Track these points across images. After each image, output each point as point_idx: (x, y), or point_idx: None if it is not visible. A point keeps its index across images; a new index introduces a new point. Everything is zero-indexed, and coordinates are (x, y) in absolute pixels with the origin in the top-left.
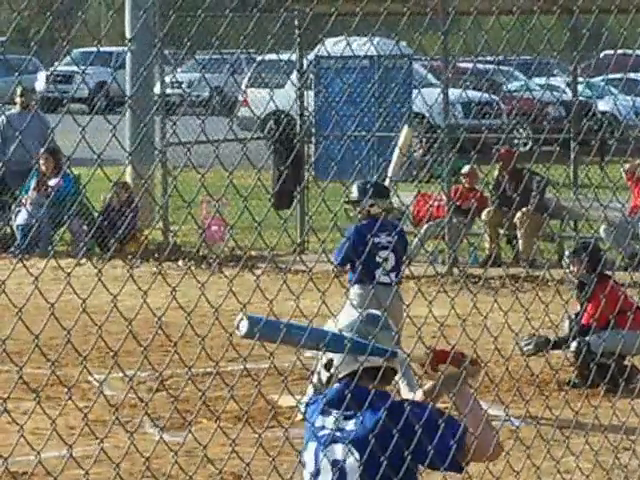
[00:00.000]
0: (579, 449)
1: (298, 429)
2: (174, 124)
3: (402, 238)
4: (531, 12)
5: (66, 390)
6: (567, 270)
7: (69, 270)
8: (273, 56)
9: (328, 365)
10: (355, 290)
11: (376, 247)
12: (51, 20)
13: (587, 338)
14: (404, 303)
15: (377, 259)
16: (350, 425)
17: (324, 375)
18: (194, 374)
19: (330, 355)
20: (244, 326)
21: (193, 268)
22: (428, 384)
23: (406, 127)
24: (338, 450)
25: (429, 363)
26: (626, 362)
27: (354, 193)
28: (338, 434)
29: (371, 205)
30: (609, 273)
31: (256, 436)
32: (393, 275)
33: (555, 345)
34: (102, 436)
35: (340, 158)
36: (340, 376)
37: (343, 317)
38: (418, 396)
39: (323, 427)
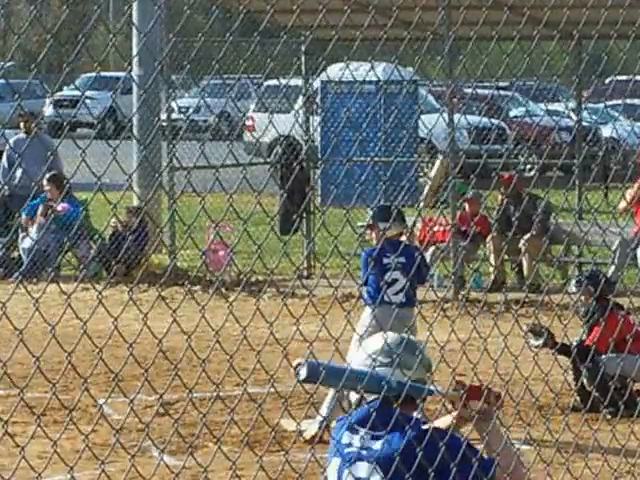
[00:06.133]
0: (580, 472)
1: (302, 453)
2: (173, 147)
3: (418, 260)
4: (530, 38)
5: (68, 413)
6: (575, 298)
7: (76, 294)
8: (279, 81)
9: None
10: (367, 310)
11: (385, 268)
12: (58, 45)
13: (602, 357)
14: (414, 325)
15: (386, 280)
16: (377, 445)
17: (353, 397)
18: (201, 398)
19: None
20: (304, 372)
21: (200, 293)
22: (456, 412)
23: (440, 158)
24: (363, 468)
25: (461, 400)
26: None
27: (369, 217)
28: (364, 452)
29: (386, 228)
30: (618, 301)
31: (263, 460)
32: (402, 296)
33: (562, 349)
34: (108, 460)
35: (346, 184)
36: (369, 399)
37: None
38: (447, 421)
39: (350, 444)
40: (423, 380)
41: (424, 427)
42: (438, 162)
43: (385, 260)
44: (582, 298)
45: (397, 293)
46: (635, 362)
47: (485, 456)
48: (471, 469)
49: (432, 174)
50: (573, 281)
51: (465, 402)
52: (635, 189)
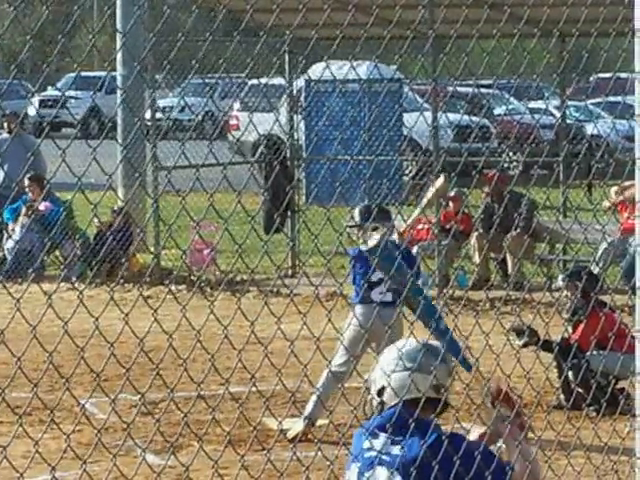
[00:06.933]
0: (562, 470)
1: (287, 452)
2: (154, 147)
3: (407, 259)
4: (512, 36)
5: (50, 413)
6: (562, 294)
7: (61, 294)
8: (263, 80)
9: (380, 392)
10: (356, 310)
11: (371, 268)
12: (42, 45)
13: (587, 354)
14: (397, 325)
15: (372, 279)
16: (396, 450)
17: (375, 401)
18: (186, 398)
19: (383, 383)
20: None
21: (185, 292)
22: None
23: (442, 177)
24: (382, 473)
25: (492, 397)
26: (621, 384)
27: (356, 217)
28: (384, 457)
29: (374, 229)
30: (603, 299)
31: (247, 459)
32: (389, 295)
33: (545, 346)
34: (93, 460)
35: (330, 182)
36: (391, 404)
37: (346, 334)
38: (475, 434)
39: (370, 449)
40: (444, 386)
41: (445, 432)
42: (440, 180)
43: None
44: (568, 293)
45: (382, 293)
46: (618, 359)
47: (502, 460)
48: (488, 474)
49: (429, 193)
50: (560, 276)
51: (493, 401)
52: (628, 191)
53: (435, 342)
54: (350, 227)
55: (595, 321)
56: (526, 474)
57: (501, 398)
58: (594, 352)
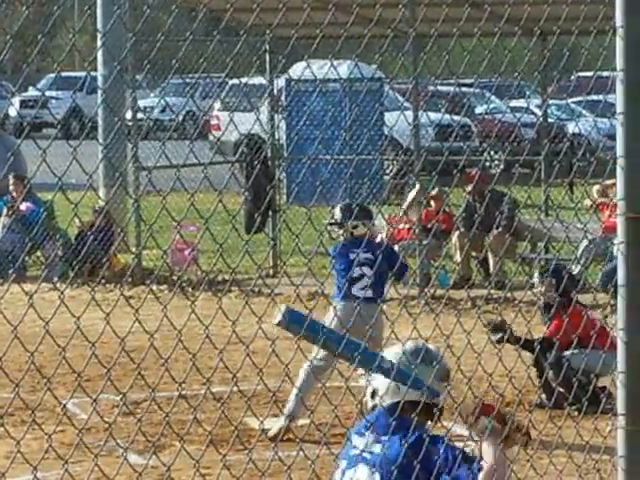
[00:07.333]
0: (544, 469)
1: (269, 451)
2: (135, 147)
3: (389, 256)
4: (493, 34)
5: (31, 413)
6: (535, 290)
7: (43, 295)
8: (243, 80)
9: (373, 394)
10: (337, 306)
11: (352, 264)
12: (23, 46)
13: (566, 353)
14: (378, 322)
15: (353, 275)
16: (377, 449)
17: (369, 403)
18: (169, 397)
19: (375, 385)
20: (278, 315)
21: (167, 292)
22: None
23: (418, 185)
24: (363, 471)
25: (473, 413)
26: (602, 383)
27: (337, 215)
28: (366, 455)
29: (354, 227)
30: (576, 297)
31: (229, 459)
32: (370, 292)
33: (525, 345)
34: (75, 460)
35: (311, 182)
36: (384, 405)
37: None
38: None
39: (355, 447)
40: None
41: (428, 434)
42: (415, 189)
43: (352, 256)
44: (542, 289)
45: (363, 288)
46: (599, 358)
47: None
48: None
49: (408, 199)
50: (536, 272)
51: (477, 416)
52: (611, 192)
53: (425, 344)
54: (331, 225)
55: (577, 320)
56: (491, 475)
57: (481, 410)
58: (575, 350)
